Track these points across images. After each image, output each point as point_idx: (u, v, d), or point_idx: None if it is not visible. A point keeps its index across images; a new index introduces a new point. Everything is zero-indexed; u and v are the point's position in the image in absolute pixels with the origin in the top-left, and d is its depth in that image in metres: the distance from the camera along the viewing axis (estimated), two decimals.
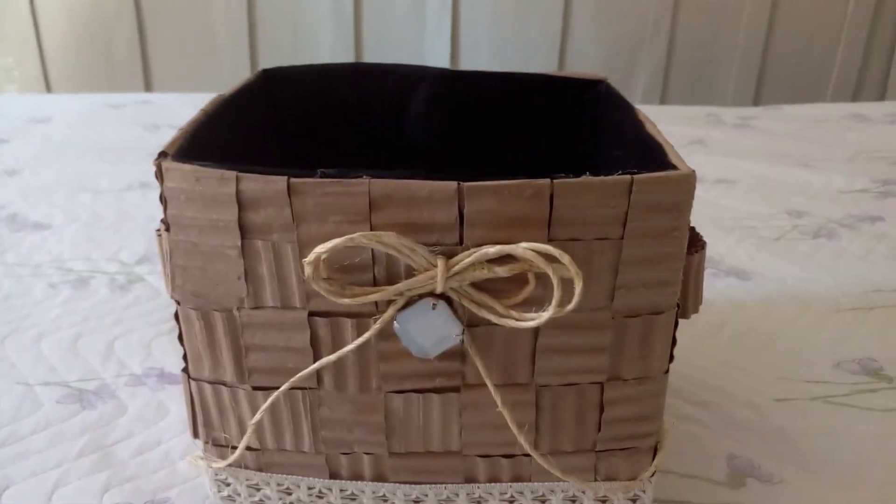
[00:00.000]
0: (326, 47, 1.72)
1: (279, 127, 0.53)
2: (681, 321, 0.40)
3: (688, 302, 0.41)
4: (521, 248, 0.33)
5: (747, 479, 0.48)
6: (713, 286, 0.72)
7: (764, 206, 0.91)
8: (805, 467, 0.49)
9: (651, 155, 0.39)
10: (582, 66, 1.73)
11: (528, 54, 1.74)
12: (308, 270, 0.34)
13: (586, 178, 0.34)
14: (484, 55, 1.74)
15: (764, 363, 0.60)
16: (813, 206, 0.92)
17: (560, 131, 0.55)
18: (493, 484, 0.41)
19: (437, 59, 1.72)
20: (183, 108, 1.24)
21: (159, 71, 1.72)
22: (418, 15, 1.71)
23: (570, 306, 0.34)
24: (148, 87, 1.72)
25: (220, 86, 0.47)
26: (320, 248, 0.33)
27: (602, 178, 0.34)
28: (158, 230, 0.39)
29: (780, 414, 0.54)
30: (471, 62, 1.73)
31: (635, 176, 0.34)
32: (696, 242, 0.41)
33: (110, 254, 0.76)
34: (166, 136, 1.09)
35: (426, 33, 1.73)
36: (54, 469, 0.48)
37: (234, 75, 1.53)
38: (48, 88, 1.70)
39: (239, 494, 0.43)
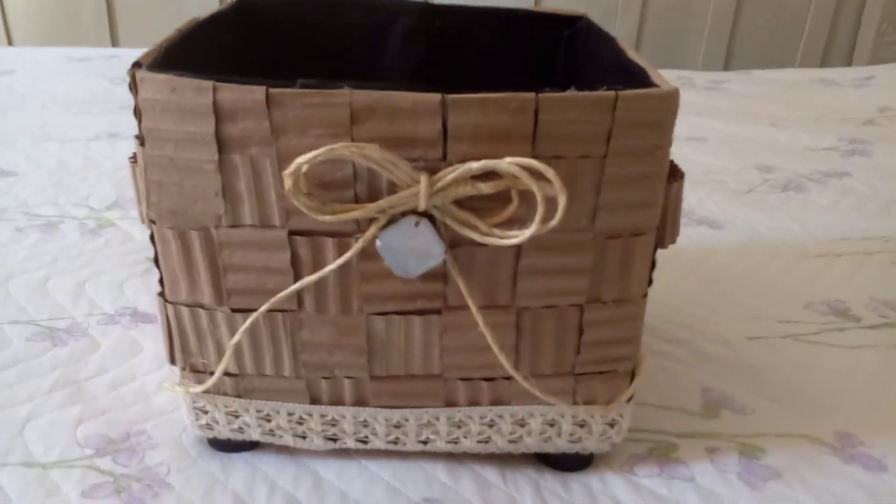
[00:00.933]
0: None
1: (252, 57, 0.52)
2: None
3: (666, 230, 0.42)
4: (506, 163, 0.33)
5: (721, 410, 0.49)
6: (685, 234, 0.73)
7: (734, 161, 0.92)
8: (776, 399, 0.50)
9: (633, 78, 0.39)
10: None
11: None
12: (288, 183, 0.33)
13: (571, 93, 0.34)
14: None
15: (736, 304, 0.61)
16: (782, 162, 0.93)
17: (539, 67, 0.55)
18: (473, 407, 0.41)
19: None
20: None
21: (126, 29, 1.67)
22: None
23: (553, 222, 0.34)
24: (114, 43, 1.68)
25: None
26: (301, 159, 0.33)
27: (587, 93, 0.34)
28: (132, 157, 0.38)
29: (753, 350, 0.55)
30: None
31: (620, 92, 0.34)
32: (674, 172, 0.41)
33: (79, 199, 0.74)
34: None
35: None
36: (25, 403, 0.47)
37: None
38: (10, 44, 1.64)
39: (217, 422, 0.42)
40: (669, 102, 0.35)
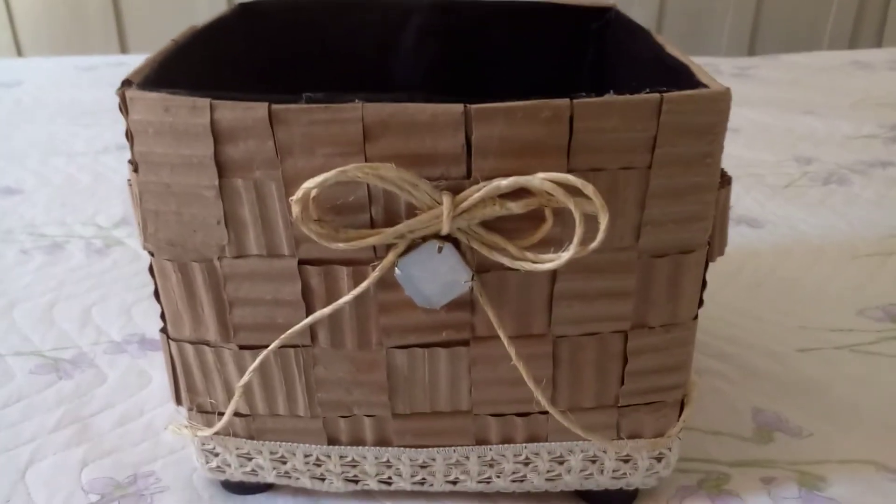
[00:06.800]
0: None
1: (257, 64, 0.49)
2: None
3: (714, 242, 0.38)
4: (539, 180, 0.29)
5: (775, 434, 0.45)
6: None
7: (770, 153, 0.88)
8: (835, 419, 0.46)
9: (676, 77, 0.35)
10: None
11: None
12: (296, 210, 0.29)
13: (610, 98, 0.30)
14: None
15: (783, 312, 0.57)
16: (821, 152, 0.88)
17: (565, 65, 0.51)
18: (506, 445, 0.37)
19: None
20: None
21: (134, 34, 1.65)
22: None
23: (594, 245, 0.30)
24: (123, 50, 1.66)
25: None
26: (309, 184, 0.29)
27: (628, 97, 0.30)
28: (129, 178, 0.35)
29: (805, 364, 0.51)
30: None
31: (665, 94, 0.30)
32: (722, 177, 0.37)
33: (86, 217, 0.72)
34: None
35: None
36: (28, 444, 0.44)
37: None
38: (19, 55, 1.63)
39: (229, 465, 0.39)
40: (721, 104, 0.31)
